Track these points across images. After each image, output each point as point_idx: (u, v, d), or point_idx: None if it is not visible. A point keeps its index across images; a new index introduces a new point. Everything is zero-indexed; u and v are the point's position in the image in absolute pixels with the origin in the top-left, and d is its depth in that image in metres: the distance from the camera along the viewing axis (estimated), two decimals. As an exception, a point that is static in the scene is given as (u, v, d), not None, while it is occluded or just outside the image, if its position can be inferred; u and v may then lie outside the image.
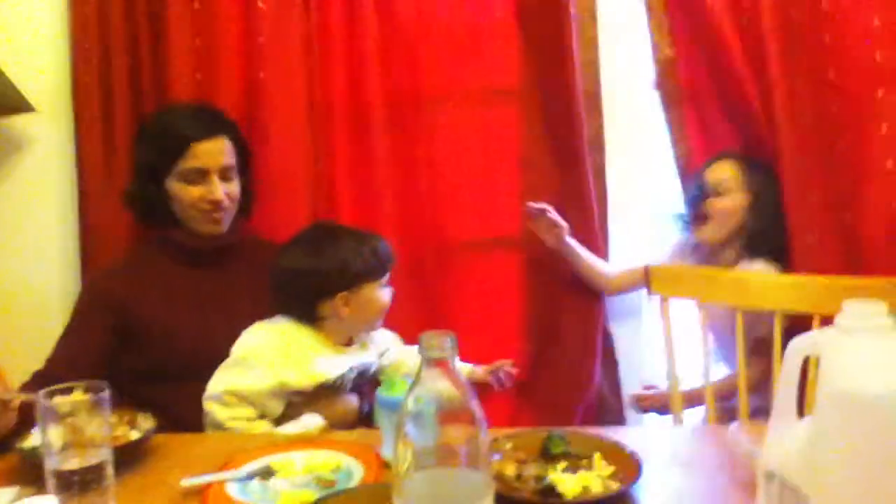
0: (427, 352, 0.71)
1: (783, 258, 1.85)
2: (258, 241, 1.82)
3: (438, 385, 0.71)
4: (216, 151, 1.65)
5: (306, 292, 1.52)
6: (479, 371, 1.73)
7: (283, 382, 1.45)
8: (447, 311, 2.12)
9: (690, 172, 2.03)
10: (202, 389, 1.48)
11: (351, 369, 1.53)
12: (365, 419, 1.55)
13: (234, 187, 1.70)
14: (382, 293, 1.56)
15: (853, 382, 0.81)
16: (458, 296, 2.13)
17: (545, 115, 2.10)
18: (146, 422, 1.30)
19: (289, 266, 1.53)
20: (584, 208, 2.06)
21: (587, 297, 2.08)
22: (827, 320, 1.58)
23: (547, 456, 1.17)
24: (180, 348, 1.60)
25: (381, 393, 1.20)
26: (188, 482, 1.12)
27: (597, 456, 1.15)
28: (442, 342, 0.71)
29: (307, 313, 1.53)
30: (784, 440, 0.90)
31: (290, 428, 1.33)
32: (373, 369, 1.60)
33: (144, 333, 1.61)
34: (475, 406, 0.73)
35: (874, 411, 0.80)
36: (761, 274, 1.76)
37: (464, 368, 1.72)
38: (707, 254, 1.96)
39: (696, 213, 1.93)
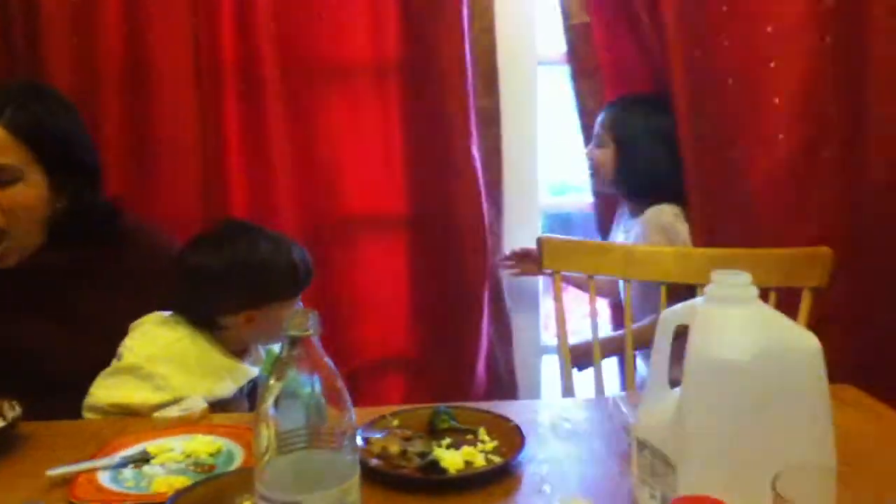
0: (290, 330, 0.69)
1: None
2: (127, 248, 1.50)
3: (301, 365, 0.69)
4: None
5: (210, 299, 1.36)
6: None
7: (179, 397, 1.31)
8: (338, 287, 2.09)
9: None
10: (69, 406, 1.31)
11: (248, 383, 1.42)
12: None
13: (21, 193, 1.34)
14: (289, 312, 1.42)
15: (718, 350, 0.84)
16: (349, 272, 2.10)
17: (429, 90, 2.07)
18: (12, 409, 1.22)
19: (197, 266, 1.36)
20: (468, 184, 2.05)
21: (473, 275, 2.07)
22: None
23: (433, 432, 1.17)
24: (43, 366, 1.42)
25: (263, 371, 1.17)
26: (54, 472, 1.06)
27: (481, 430, 1.16)
28: (304, 320, 0.69)
29: (205, 319, 1.38)
30: (656, 409, 0.91)
31: (171, 411, 1.28)
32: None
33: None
34: (340, 385, 0.71)
35: (737, 377, 0.82)
36: (648, 247, 1.79)
37: None
38: (630, 212, 2.03)
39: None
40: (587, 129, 2.08)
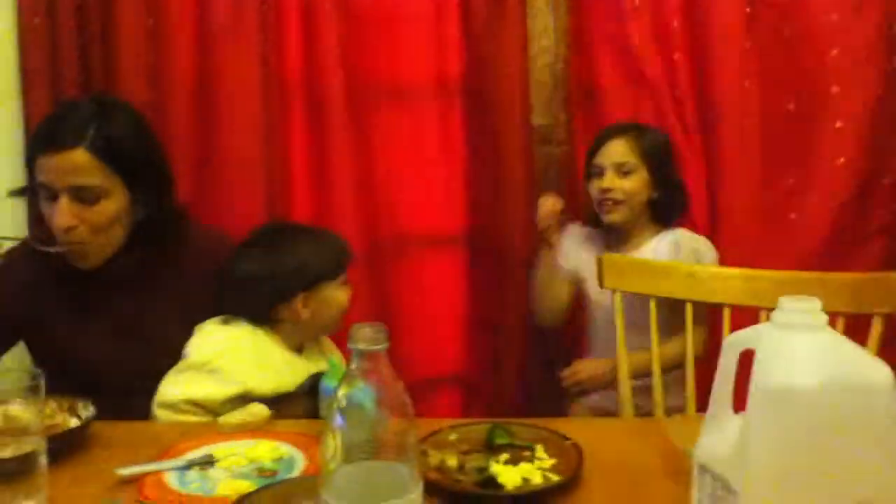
0: (357, 344, 0.70)
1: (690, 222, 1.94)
2: (188, 246, 1.55)
3: (368, 378, 0.70)
4: (64, 168, 1.35)
5: (264, 295, 1.45)
6: None
7: (247, 390, 1.37)
8: (395, 303, 2.13)
9: None
10: (113, 406, 1.29)
11: (308, 378, 1.47)
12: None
13: (105, 210, 1.39)
14: (341, 292, 1.51)
15: (784, 377, 0.82)
16: (406, 289, 2.14)
17: (490, 108, 2.10)
18: (86, 409, 1.27)
19: (245, 269, 1.45)
20: (524, 202, 2.07)
21: (530, 293, 2.07)
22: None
23: (490, 447, 1.18)
24: (88, 366, 1.47)
25: (325, 382, 1.20)
26: (124, 471, 1.10)
27: (539, 447, 1.16)
28: (373, 334, 0.70)
29: (264, 317, 1.46)
30: (718, 434, 0.90)
31: (236, 416, 1.31)
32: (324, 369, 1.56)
33: (49, 344, 1.49)
34: (405, 399, 0.72)
35: (803, 406, 0.81)
36: (712, 267, 1.77)
37: None
38: (617, 237, 1.97)
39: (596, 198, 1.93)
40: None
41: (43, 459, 1.03)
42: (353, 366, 0.71)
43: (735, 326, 1.64)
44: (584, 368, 1.94)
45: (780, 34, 2.00)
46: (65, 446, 1.19)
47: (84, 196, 1.38)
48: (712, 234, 2.04)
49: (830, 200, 2.03)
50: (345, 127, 2.11)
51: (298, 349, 1.51)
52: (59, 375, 1.41)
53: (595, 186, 1.89)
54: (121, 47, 2.06)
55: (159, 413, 1.38)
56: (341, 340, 1.66)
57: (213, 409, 1.37)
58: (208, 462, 1.16)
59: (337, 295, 1.50)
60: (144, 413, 1.40)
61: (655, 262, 1.78)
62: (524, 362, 2.09)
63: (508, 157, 2.09)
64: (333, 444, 0.70)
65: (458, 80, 2.12)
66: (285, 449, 1.20)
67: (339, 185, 2.13)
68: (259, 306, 1.45)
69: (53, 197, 1.38)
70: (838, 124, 2.00)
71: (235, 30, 2.08)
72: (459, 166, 2.14)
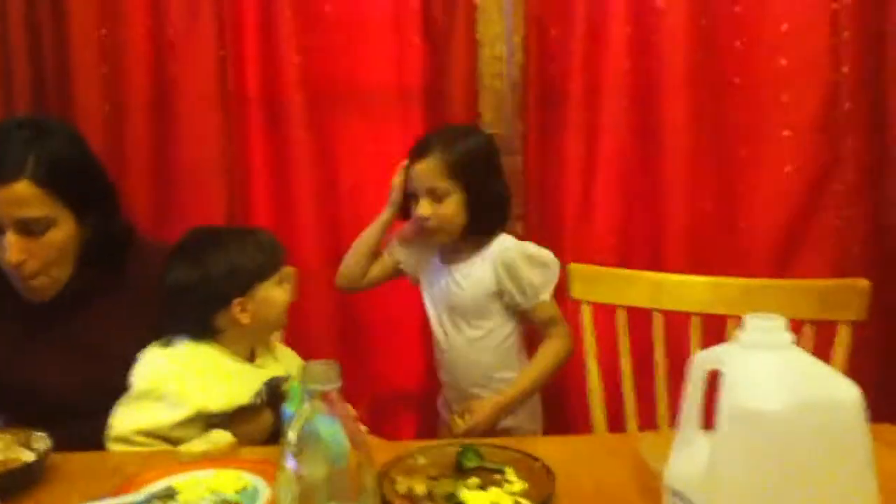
0: (310, 384, 0.68)
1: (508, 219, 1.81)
2: (140, 263, 1.50)
3: (322, 418, 0.68)
4: (8, 201, 1.29)
5: (199, 306, 1.39)
6: None
7: (199, 410, 1.33)
8: (359, 313, 2.10)
9: None
10: (83, 430, 1.29)
11: (264, 385, 1.43)
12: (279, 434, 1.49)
13: (53, 240, 1.35)
14: (280, 290, 1.45)
15: (752, 398, 0.81)
16: (370, 298, 2.11)
17: (447, 116, 2.08)
18: (41, 442, 1.23)
19: (175, 281, 1.39)
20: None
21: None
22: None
23: (460, 470, 1.15)
24: (40, 395, 1.42)
25: (288, 409, 1.16)
26: (81, 509, 1.07)
27: (509, 470, 1.14)
28: (324, 373, 0.68)
29: (204, 329, 1.41)
30: (687, 456, 0.89)
31: (197, 445, 1.28)
32: (283, 385, 1.54)
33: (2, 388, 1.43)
34: (361, 437, 0.70)
35: (773, 427, 0.80)
36: (679, 276, 1.76)
37: None
38: (448, 249, 1.81)
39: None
40: None
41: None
42: (307, 406, 0.68)
43: (703, 336, 1.67)
44: (481, 412, 1.68)
45: (730, 44, 2.00)
46: (19, 483, 1.15)
47: (31, 228, 1.33)
48: (661, 243, 2.04)
49: (778, 207, 2.04)
50: (305, 135, 2.10)
51: (250, 357, 1.47)
52: (15, 407, 1.40)
53: (414, 211, 1.72)
54: (74, 58, 2.01)
55: (113, 448, 1.33)
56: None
57: (168, 437, 1.33)
58: (169, 496, 1.12)
59: (275, 294, 1.44)
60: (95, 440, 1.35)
61: (622, 271, 1.77)
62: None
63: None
64: (287, 487, 0.67)
65: (418, 86, 2.10)
66: (248, 479, 1.16)
67: (300, 195, 2.11)
68: (195, 318, 1.41)
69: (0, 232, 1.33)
70: (786, 133, 2.01)
71: (191, 38, 2.05)
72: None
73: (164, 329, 1.43)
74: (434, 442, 1.25)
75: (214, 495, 1.12)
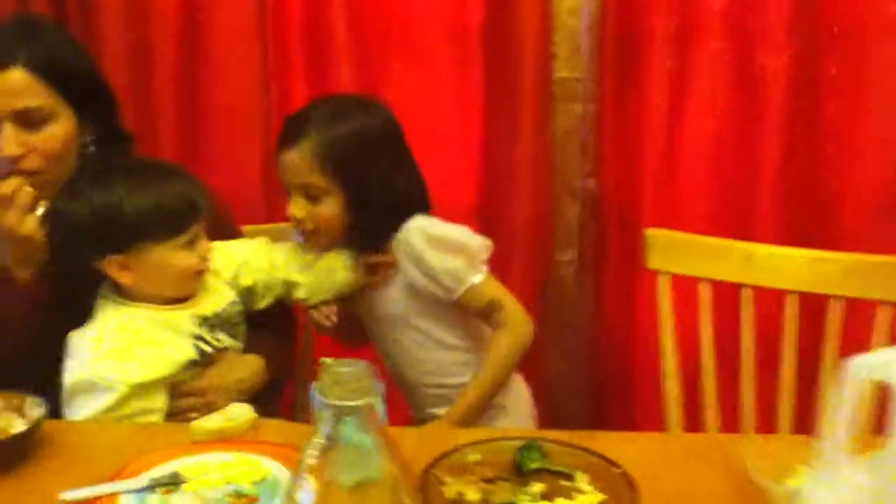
0: (332, 398, 0.48)
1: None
2: None
3: (351, 445, 0.49)
4: (3, 91, 1.22)
5: (70, 250, 1.19)
6: None
7: (133, 384, 1.15)
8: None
9: None
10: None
11: (205, 324, 1.24)
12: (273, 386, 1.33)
13: (54, 134, 1.26)
14: (179, 256, 1.20)
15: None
16: None
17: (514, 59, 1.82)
18: (35, 409, 1.06)
19: (57, 210, 1.20)
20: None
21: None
22: (851, 303, 1.44)
23: (520, 472, 0.96)
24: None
25: (316, 389, 0.97)
26: (69, 494, 0.90)
27: (580, 476, 0.94)
28: (357, 383, 0.48)
29: (94, 280, 1.21)
30: (832, 486, 0.68)
31: (212, 421, 1.10)
32: (234, 306, 1.32)
33: None
34: (395, 451, 0.50)
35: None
36: (776, 248, 1.52)
37: None
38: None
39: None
40: None
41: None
42: (325, 426, 0.48)
43: (800, 317, 1.44)
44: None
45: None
46: (7, 456, 0.98)
47: (29, 120, 1.23)
48: (754, 210, 1.79)
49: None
50: (350, 79, 1.86)
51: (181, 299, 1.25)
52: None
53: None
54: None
55: None
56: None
57: (126, 416, 1.16)
58: (174, 483, 0.95)
59: (171, 259, 1.19)
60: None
61: (708, 240, 1.54)
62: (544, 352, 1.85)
63: (524, 119, 1.82)
64: None
65: (478, 24, 1.85)
66: (269, 467, 0.98)
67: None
68: (70, 260, 1.21)
69: None
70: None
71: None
72: (475, 130, 1.88)
73: (61, 278, 1.23)
74: (488, 434, 1.05)
75: (228, 485, 0.94)
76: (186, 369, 1.22)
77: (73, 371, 1.17)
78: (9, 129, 1.23)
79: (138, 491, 0.93)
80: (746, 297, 1.47)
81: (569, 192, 1.78)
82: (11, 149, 1.22)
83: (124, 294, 1.23)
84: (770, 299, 1.49)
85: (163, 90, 1.84)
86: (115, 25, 1.81)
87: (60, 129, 1.27)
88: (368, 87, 1.87)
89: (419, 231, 1.33)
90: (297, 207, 1.31)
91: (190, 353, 1.22)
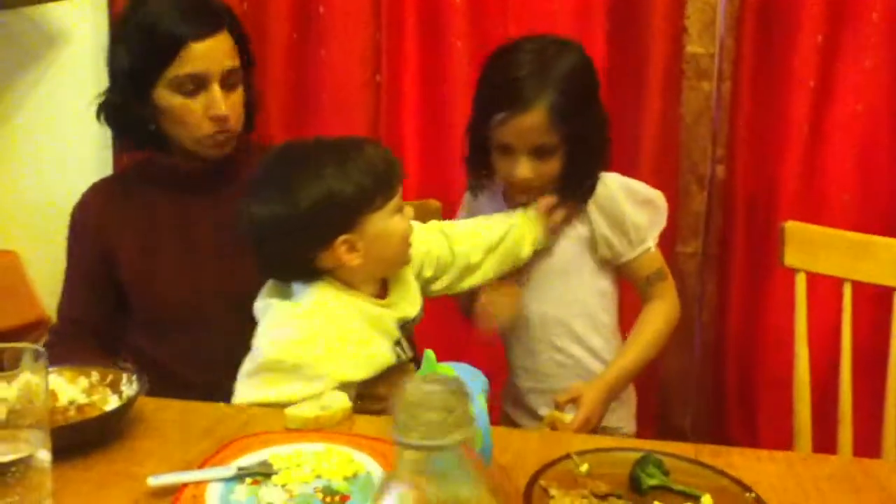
0: (415, 440, 0.40)
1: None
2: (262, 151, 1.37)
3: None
4: (217, 52, 1.28)
5: (293, 249, 1.12)
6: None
7: (341, 380, 1.10)
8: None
9: None
10: (195, 342, 1.20)
11: (399, 331, 1.19)
12: None
13: (240, 97, 1.34)
14: (397, 219, 1.15)
15: None
16: None
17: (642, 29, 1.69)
18: (130, 386, 1.03)
19: (260, 216, 1.12)
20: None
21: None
22: None
23: (638, 489, 0.86)
24: (161, 296, 1.34)
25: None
26: (157, 480, 0.86)
27: (706, 499, 0.83)
28: (440, 418, 0.40)
29: (307, 272, 1.14)
30: None
31: (307, 409, 1.04)
32: (422, 311, 1.26)
33: (124, 277, 1.36)
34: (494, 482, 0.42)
35: None
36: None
37: None
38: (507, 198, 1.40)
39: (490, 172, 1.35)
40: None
41: (43, 459, 0.79)
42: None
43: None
44: (591, 401, 1.24)
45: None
46: (95, 434, 0.96)
47: (230, 81, 1.31)
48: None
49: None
50: (467, 50, 1.78)
51: (381, 292, 1.20)
52: (134, 315, 1.38)
53: (503, 168, 1.31)
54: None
55: None
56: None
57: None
58: (263, 473, 0.89)
59: (390, 225, 1.14)
60: (217, 348, 1.22)
61: (853, 236, 1.38)
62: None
63: (650, 98, 1.68)
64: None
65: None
66: (363, 462, 0.92)
67: (455, 121, 1.81)
68: (290, 262, 1.14)
69: (196, 90, 1.29)
70: None
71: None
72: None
73: (264, 271, 1.18)
74: (600, 442, 0.95)
75: (318, 479, 0.89)
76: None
77: (283, 346, 1.11)
78: (219, 90, 1.29)
79: (227, 480, 0.88)
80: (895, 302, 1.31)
81: (696, 178, 1.64)
82: (226, 107, 1.30)
83: (344, 281, 1.16)
84: None
85: (274, 73, 1.83)
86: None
87: (242, 93, 1.35)
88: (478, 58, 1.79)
89: (616, 181, 1.33)
90: (527, 168, 1.27)
91: (390, 359, 1.16)
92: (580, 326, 1.36)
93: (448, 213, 1.54)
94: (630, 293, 1.42)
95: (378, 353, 1.15)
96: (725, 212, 1.72)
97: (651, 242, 1.34)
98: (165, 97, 1.29)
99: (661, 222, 1.35)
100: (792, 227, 1.37)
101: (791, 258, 1.36)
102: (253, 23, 1.79)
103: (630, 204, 1.32)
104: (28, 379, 0.79)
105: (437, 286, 1.32)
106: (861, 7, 1.57)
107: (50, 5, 1.92)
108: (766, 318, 1.70)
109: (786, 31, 1.62)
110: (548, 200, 1.31)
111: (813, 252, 1.36)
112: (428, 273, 1.30)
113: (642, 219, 1.33)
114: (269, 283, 1.20)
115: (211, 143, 1.33)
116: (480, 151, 1.33)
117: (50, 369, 0.87)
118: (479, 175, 1.37)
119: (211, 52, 1.27)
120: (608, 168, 1.34)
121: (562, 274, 1.35)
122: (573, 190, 1.31)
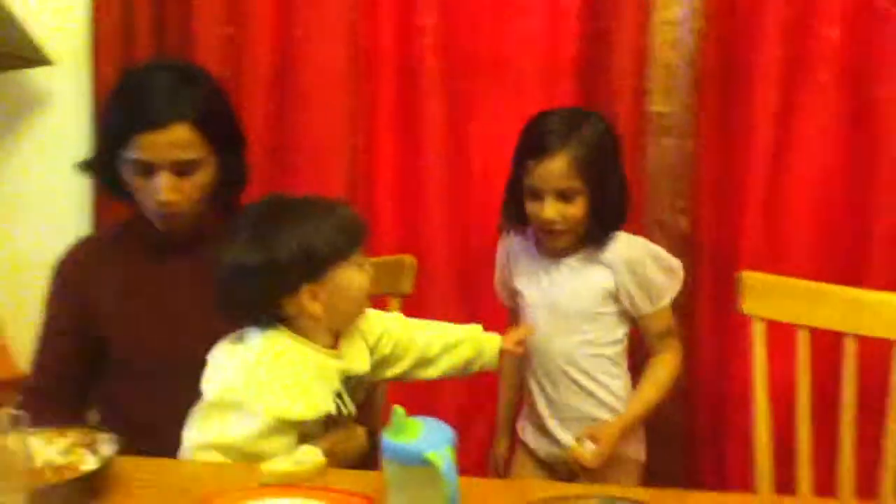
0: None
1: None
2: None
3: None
4: (164, 145, 1.31)
5: (262, 292, 1.18)
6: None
7: (278, 417, 1.14)
8: (488, 308, 1.86)
9: None
10: (169, 392, 1.20)
11: (341, 384, 1.24)
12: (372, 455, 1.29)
13: (202, 181, 1.37)
14: (358, 274, 1.23)
15: None
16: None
17: (609, 92, 1.79)
18: (107, 446, 1.06)
19: (233, 262, 1.19)
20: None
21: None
22: None
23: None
24: (142, 346, 1.40)
25: (389, 438, 0.94)
26: (136, 539, 0.89)
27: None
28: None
29: (269, 317, 1.21)
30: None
31: (281, 464, 1.08)
32: (368, 375, 1.32)
33: (104, 332, 1.41)
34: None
35: None
36: (880, 294, 1.41)
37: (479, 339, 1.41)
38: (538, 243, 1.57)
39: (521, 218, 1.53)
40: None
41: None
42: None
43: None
44: (608, 437, 1.43)
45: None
46: (74, 495, 0.98)
47: (184, 169, 1.34)
48: (865, 255, 1.69)
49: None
50: (441, 112, 1.86)
51: (333, 343, 1.26)
52: (112, 366, 1.42)
53: (534, 211, 1.48)
54: (197, 20, 1.89)
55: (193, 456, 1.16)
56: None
57: (252, 452, 1.13)
58: (239, 528, 0.93)
59: (352, 278, 1.22)
60: (189, 399, 1.23)
61: (808, 284, 1.44)
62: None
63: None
64: None
65: (572, 57, 1.81)
66: (335, 515, 0.95)
67: (430, 180, 1.88)
68: (255, 305, 1.20)
69: (147, 173, 1.34)
70: None
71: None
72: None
73: (224, 311, 1.23)
74: (564, 489, 0.99)
75: (294, 534, 0.92)
76: (316, 423, 1.20)
77: (219, 385, 1.16)
78: (165, 177, 1.32)
79: (204, 536, 0.91)
80: (850, 347, 1.37)
81: (658, 226, 1.70)
82: (168, 195, 1.33)
83: (299, 328, 1.22)
84: (876, 350, 1.38)
85: (253, 123, 1.88)
86: (208, 62, 1.84)
87: (206, 176, 1.37)
88: (458, 122, 1.86)
89: (642, 244, 1.52)
90: (553, 209, 1.45)
91: (330, 407, 1.21)
92: (597, 365, 1.52)
93: (421, 273, 1.60)
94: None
95: (319, 400, 1.19)
96: (687, 260, 1.78)
97: (666, 301, 1.51)
98: (125, 170, 1.36)
99: (678, 287, 1.52)
100: (748, 276, 1.43)
101: (748, 306, 1.42)
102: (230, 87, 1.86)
103: (655, 267, 1.50)
104: (6, 444, 0.82)
105: (394, 370, 1.38)
106: (809, 69, 1.66)
107: (34, 69, 1.98)
108: (732, 364, 1.75)
109: (742, 92, 1.71)
110: (520, 333, 1.45)
111: (769, 299, 1.42)
112: (386, 350, 1.35)
113: (663, 280, 1.50)
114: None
115: (158, 220, 1.39)
116: (515, 202, 1.52)
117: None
118: (511, 222, 1.56)
119: (156, 145, 1.31)
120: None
121: (588, 318, 1.51)
122: (596, 239, 1.49)
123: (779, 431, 1.42)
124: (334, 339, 1.26)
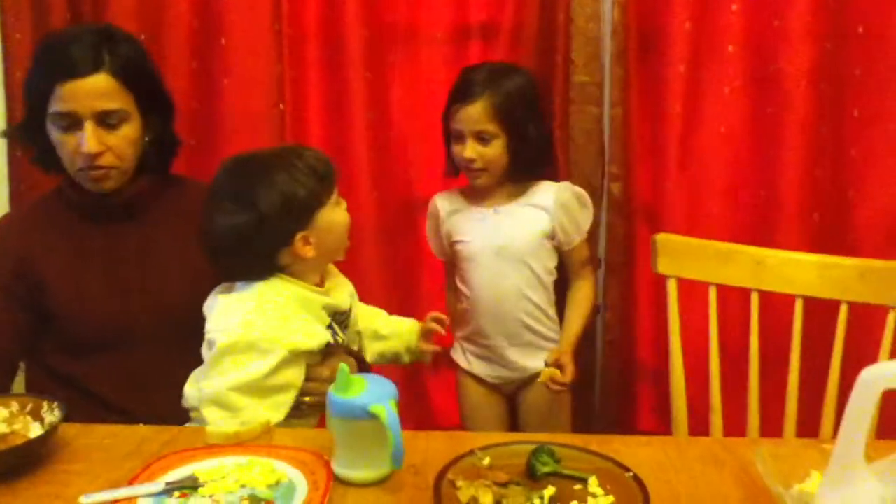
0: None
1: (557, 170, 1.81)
2: (184, 185, 1.52)
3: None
4: (89, 93, 1.32)
5: (258, 249, 1.23)
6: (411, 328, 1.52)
7: (292, 349, 1.20)
8: (414, 272, 1.93)
9: None
10: (121, 362, 1.25)
11: (335, 318, 1.31)
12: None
13: (127, 134, 1.37)
14: (339, 211, 1.30)
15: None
16: (417, 252, 1.96)
17: (531, 61, 1.86)
18: (52, 413, 1.07)
19: (224, 227, 1.23)
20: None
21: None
22: (856, 308, 1.44)
23: (532, 476, 0.97)
24: (89, 317, 1.39)
25: (335, 394, 0.98)
26: (89, 499, 0.91)
27: (592, 480, 0.95)
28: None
29: (269, 269, 1.26)
30: (846, 490, 0.69)
31: (226, 426, 1.11)
32: (352, 310, 1.40)
33: (50, 300, 1.39)
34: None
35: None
36: (785, 253, 1.53)
37: (398, 327, 1.51)
38: (481, 193, 1.73)
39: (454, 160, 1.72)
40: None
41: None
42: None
43: (809, 321, 1.45)
44: (570, 362, 1.61)
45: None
46: (18, 462, 0.99)
47: (108, 121, 1.35)
48: (772, 216, 1.81)
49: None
50: (360, 80, 1.88)
51: (320, 283, 1.33)
52: (66, 336, 1.41)
53: (457, 150, 1.67)
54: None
55: (207, 413, 1.18)
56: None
57: (267, 388, 1.19)
58: (191, 487, 0.96)
59: (335, 217, 1.29)
60: (143, 369, 1.36)
61: (717, 245, 1.54)
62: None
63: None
64: None
65: (498, 28, 1.87)
66: (284, 471, 0.99)
67: (357, 145, 1.91)
68: (257, 263, 1.26)
69: (71, 126, 1.34)
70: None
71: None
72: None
73: (226, 275, 1.29)
74: (499, 438, 1.05)
75: (243, 489, 0.96)
76: (317, 354, 1.26)
77: (230, 332, 1.19)
78: (90, 128, 1.33)
79: (156, 494, 0.94)
80: (755, 302, 1.48)
81: (590, 190, 1.78)
82: (94, 146, 1.33)
83: (294, 273, 1.28)
84: (779, 304, 1.50)
85: (177, 95, 1.85)
86: (127, 23, 1.81)
87: (132, 130, 1.38)
88: (378, 93, 1.89)
89: (567, 186, 1.71)
90: (472, 150, 1.64)
91: (328, 336, 1.27)
92: (541, 294, 1.72)
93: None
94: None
95: (318, 329, 1.26)
96: (627, 224, 1.90)
97: (586, 233, 1.73)
98: (51, 130, 1.36)
99: (591, 218, 1.74)
100: (662, 238, 1.53)
101: (663, 266, 1.52)
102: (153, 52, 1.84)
103: (579, 206, 1.71)
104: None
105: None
106: (717, 40, 1.77)
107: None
108: (661, 318, 1.87)
109: (658, 63, 1.80)
110: (436, 322, 1.51)
111: (682, 260, 1.51)
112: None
113: (584, 218, 1.72)
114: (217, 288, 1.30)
115: (84, 177, 1.38)
116: (449, 147, 1.70)
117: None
118: (450, 166, 1.73)
119: (78, 94, 1.31)
120: (554, 166, 1.76)
121: (532, 255, 1.70)
122: (518, 178, 1.69)
123: (692, 382, 1.52)
124: (320, 278, 1.33)
